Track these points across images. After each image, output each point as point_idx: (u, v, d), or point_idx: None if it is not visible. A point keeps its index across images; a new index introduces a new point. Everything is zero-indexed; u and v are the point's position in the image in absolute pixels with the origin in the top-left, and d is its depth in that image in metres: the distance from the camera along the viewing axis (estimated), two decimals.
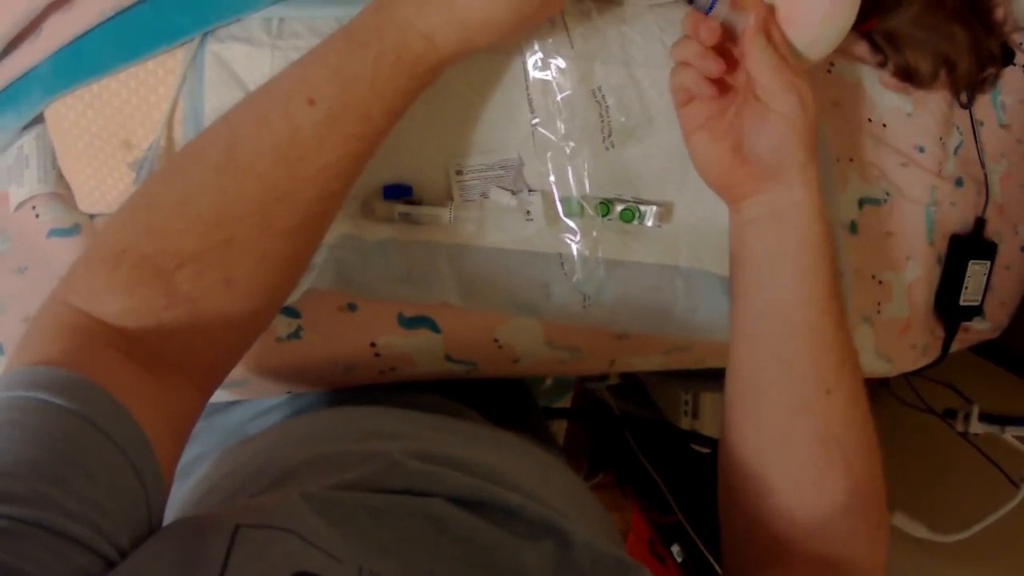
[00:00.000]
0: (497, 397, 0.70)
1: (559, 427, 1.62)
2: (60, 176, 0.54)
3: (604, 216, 0.54)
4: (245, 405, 0.61)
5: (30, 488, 0.27)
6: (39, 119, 0.53)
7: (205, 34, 0.50)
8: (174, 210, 0.38)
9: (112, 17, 0.49)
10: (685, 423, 1.23)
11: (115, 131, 0.51)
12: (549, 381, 1.49)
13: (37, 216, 0.54)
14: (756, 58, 0.44)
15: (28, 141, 0.54)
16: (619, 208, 0.54)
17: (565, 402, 1.60)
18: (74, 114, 0.50)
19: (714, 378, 1.17)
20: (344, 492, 0.37)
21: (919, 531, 0.78)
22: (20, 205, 0.54)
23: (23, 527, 0.25)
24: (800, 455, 0.46)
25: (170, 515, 0.34)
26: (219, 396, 0.56)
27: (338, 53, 0.39)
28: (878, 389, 1.11)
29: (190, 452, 0.58)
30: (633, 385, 1.40)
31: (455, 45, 0.40)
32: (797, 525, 0.46)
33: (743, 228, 0.49)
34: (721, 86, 0.47)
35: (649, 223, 0.55)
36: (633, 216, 0.54)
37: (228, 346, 0.41)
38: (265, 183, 0.38)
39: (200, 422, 0.62)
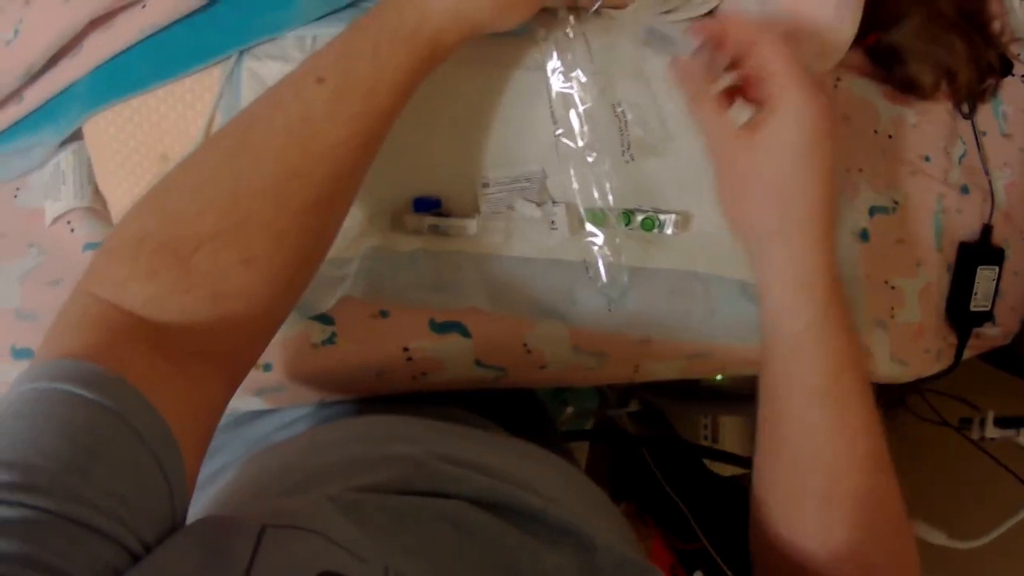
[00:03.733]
0: (516, 414, 0.72)
1: (579, 455, 1.63)
2: (96, 192, 0.57)
3: (626, 225, 0.57)
4: (271, 417, 0.63)
5: (54, 479, 0.27)
6: (76, 136, 0.57)
7: (241, 52, 0.53)
8: (190, 194, 0.39)
9: (151, 36, 0.53)
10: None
11: (153, 146, 0.54)
12: (570, 409, 1.51)
13: (72, 230, 0.57)
14: (777, 55, 0.43)
15: (65, 157, 0.57)
16: (640, 218, 0.57)
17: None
18: (113, 128, 0.54)
19: (733, 400, 1.20)
20: (368, 495, 0.38)
21: (939, 539, 0.80)
22: (56, 219, 0.57)
23: (47, 517, 0.26)
24: (809, 551, 0.47)
25: (195, 520, 0.34)
26: (254, 404, 0.58)
27: (343, 37, 0.43)
28: (895, 407, 1.14)
29: (216, 462, 0.60)
30: (653, 413, 1.42)
31: (447, 15, 0.43)
32: None
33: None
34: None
35: (669, 231, 0.58)
36: (653, 225, 0.57)
37: (251, 332, 0.42)
38: (279, 161, 0.40)
39: (226, 433, 0.64)
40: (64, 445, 0.29)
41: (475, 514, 0.39)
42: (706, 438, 1.22)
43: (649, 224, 0.57)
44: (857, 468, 0.46)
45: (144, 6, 0.53)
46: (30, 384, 0.31)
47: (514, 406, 0.74)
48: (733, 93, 0.46)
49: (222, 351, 0.40)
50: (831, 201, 0.44)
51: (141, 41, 0.53)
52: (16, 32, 0.54)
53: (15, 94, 0.56)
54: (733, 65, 0.46)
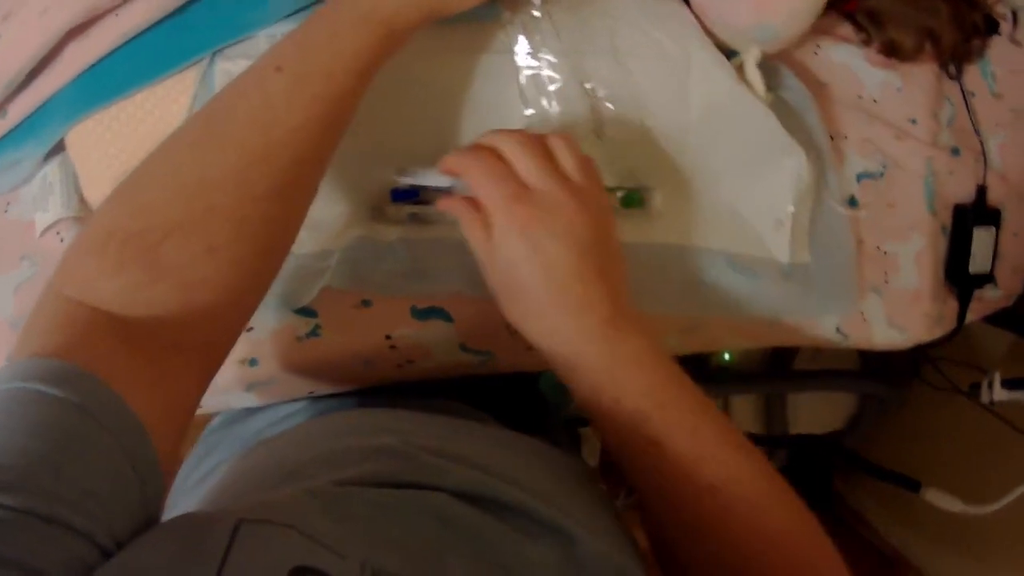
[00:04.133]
0: (513, 405, 0.72)
1: (593, 448, 1.62)
2: (83, 201, 0.58)
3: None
4: (264, 413, 0.64)
5: (21, 476, 0.27)
6: (61, 146, 0.58)
7: (215, 53, 0.54)
8: (156, 185, 0.40)
9: (127, 42, 0.54)
10: None
11: (134, 151, 0.55)
12: None
13: (62, 240, 0.58)
14: (471, 179, 0.47)
15: (52, 169, 0.58)
16: (619, 195, 0.57)
17: None
18: (94, 137, 0.55)
19: (742, 380, 1.19)
20: (352, 488, 0.38)
21: (955, 505, 0.79)
22: (46, 230, 0.58)
23: (15, 515, 0.26)
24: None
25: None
26: (246, 399, 0.59)
27: (300, 26, 0.44)
28: (909, 378, 1.13)
29: (211, 460, 0.61)
30: None
31: None
32: None
33: None
34: None
35: (651, 207, 0.58)
36: (633, 202, 0.57)
37: (220, 322, 0.42)
38: (241, 149, 0.40)
39: (220, 431, 0.65)
40: (33, 443, 0.29)
41: (458, 507, 0.39)
42: None
43: (629, 201, 0.57)
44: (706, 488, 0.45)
45: (117, 14, 0.54)
46: (3, 385, 0.32)
47: (511, 397, 0.74)
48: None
49: (193, 342, 0.40)
50: (574, 290, 0.46)
51: (117, 48, 0.55)
52: None
53: None
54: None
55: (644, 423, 0.45)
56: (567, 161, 0.47)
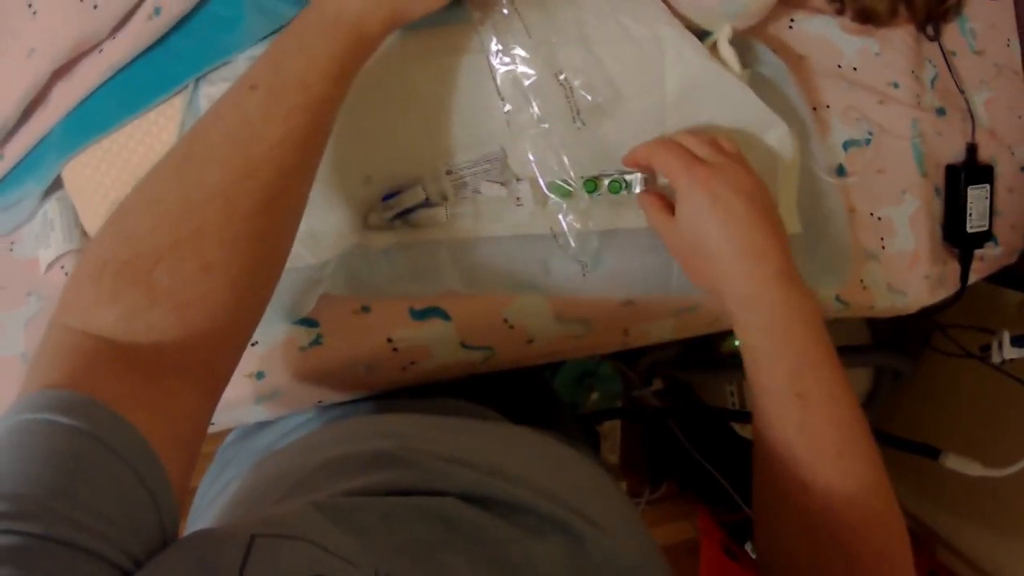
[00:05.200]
0: (522, 401, 0.73)
1: (613, 444, 1.64)
2: (84, 234, 0.60)
3: (592, 192, 0.58)
4: (274, 427, 0.65)
5: (40, 505, 0.28)
6: (59, 184, 0.60)
7: (198, 79, 0.56)
8: (144, 212, 0.41)
9: (112, 77, 0.57)
10: None
11: (127, 181, 0.57)
12: (595, 395, 1.52)
13: (66, 274, 0.60)
14: (657, 159, 0.53)
15: (51, 206, 0.60)
16: (606, 182, 0.59)
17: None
18: (89, 170, 0.57)
19: None
20: (356, 498, 0.39)
21: (976, 469, 0.79)
22: (50, 266, 0.60)
23: (34, 541, 0.27)
24: (792, 548, 0.50)
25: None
26: (257, 413, 0.61)
27: (272, 44, 0.45)
28: (920, 346, 1.13)
29: (225, 476, 0.62)
30: (678, 388, 1.42)
31: (367, 2, 0.45)
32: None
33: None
34: None
35: (637, 190, 0.59)
36: (621, 187, 0.59)
37: (220, 340, 0.43)
38: (223, 167, 0.41)
39: (233, 447, 0.67)
40: (47, 471, 0.30)
41: (464, 510, 0.40)
42: (733, 404, 1.22)
43: (616, 187, 0.58)
44: (833, 456, 0.49)
45: (101, 50, 0.56)
46: (12, 418, 0.33)
47: (518, 393, 0.75)
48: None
49: (195, 363, 0.41)
50: (754, 232, 0.51)
51: (104, 83, 0.57)
52: None
53: None
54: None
55: (797, 377, 0.49)
56: (724, 144, 0.56)
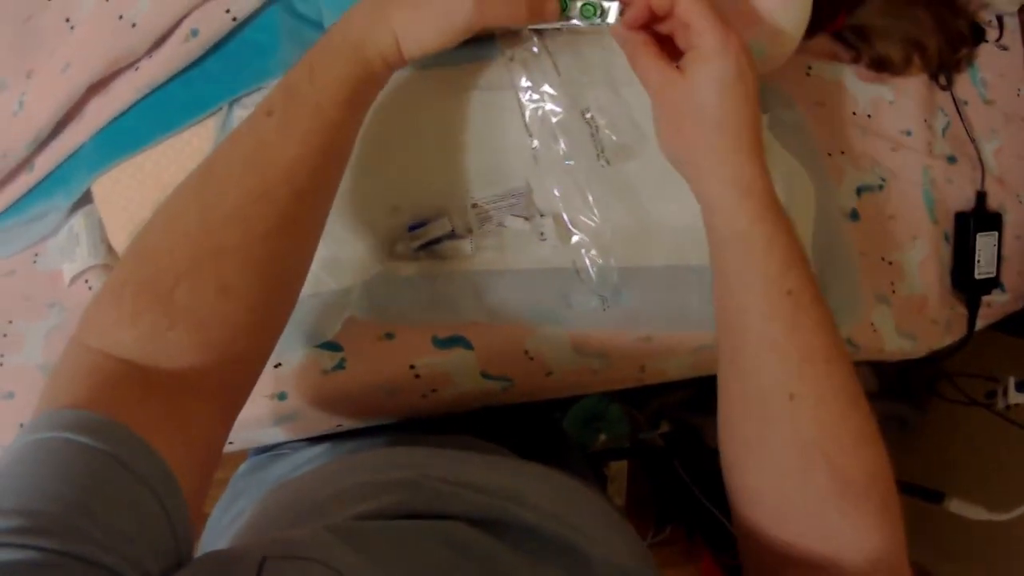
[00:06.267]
0: (530, 436, 0.74)
1: (619, 486, 1.64)
2: (110, 249, 0.61)
3: (563, 12, 0.52)
4: (286, 459, 0.66)
5: (59, 521, 0.29)
6: (85, 199, 0.62)
7: (232, 103, 0.58)
8: (163, 233, 0.42)
9: (147, 95, 0.58)
10: None
11: (157, 199, 0.58)
12: (603, 436, 1.53)
13: (90, 288, 0.61)
14: (693, 4, 0.46)
15: (77, 221, 0.62)
16: (579, 5, 0.52)
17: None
18: (119, 186, 0.58)
19: None
20: (367, 522, 0.40)
21: (979, 514, 0.80)
22: (74, 279, 0.61)
23: (55, 558, 0.28)
24: (778, 462, 0.47)
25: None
26: (274, 434, 0.62)
27: (288, 72, 0.47)
28: (926, 394, 1.15)
29: (238, 506, 0.63)
30: (685, 431, 1.43)
31: (369, 22, 0.46)
32: (790, 527, 0.47)
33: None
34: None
35: (611, 20, 0.52)
36: (594, 12, 0.52)
37: (238, 362, 0.44)
38: (240, 189, 0.42)
39: (246, 478, 0.68)
40: (66, 489, 0.31)
41: (471, 533, 0.41)
42: None
43: (590, 11, 0.52)
44: (822, 360, 0.47)
45: (137, 68, 0.58)
46: (31, 436, 0.34)
47: (529, 431, 0.76)
48: (664, 46, 0.51)
49: (212, 384, 0.42)
50: (757, 123, 0.48)
51: (138, 101, 0.58)
52: (21, 104, 0.60)
53: (25, 163, 0.61)
54: (662, 20, 0.50)
55: (787, 270, 0.47)
56: None
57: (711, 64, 0.47)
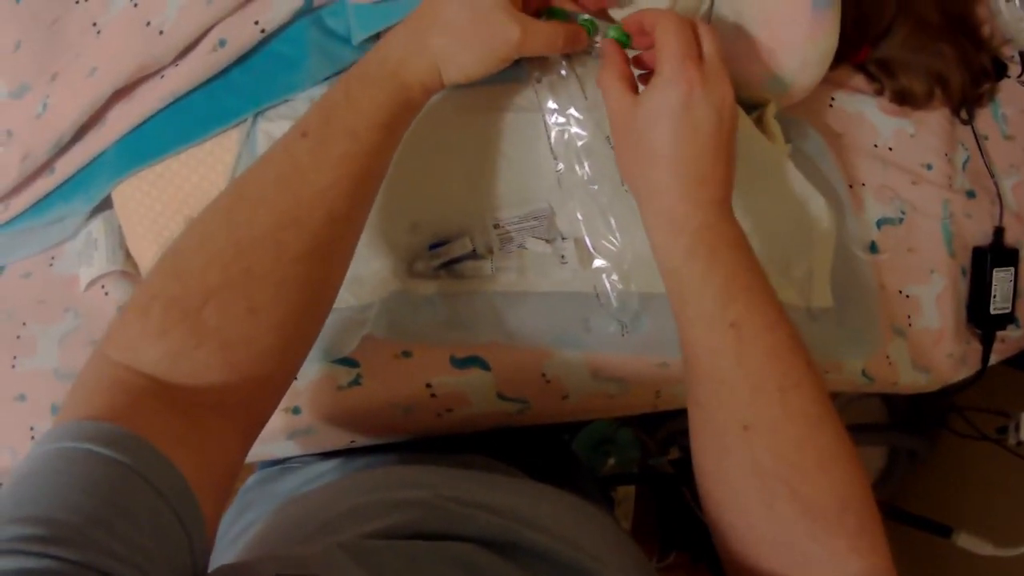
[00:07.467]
0: (544, 460, 0.74)
1: (626, 511, 1.64)
2: (128, 256, 0.62)
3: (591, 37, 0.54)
4: (296, 474, 0.66)
5: (77, 531, 0.29)
6: (105, 204, 0.62)
7: (256, 115, 0.59)
8: (195, 251, 0.43)
9: (171, 104, 0.59)
10: None
11: (178, 208, 0.59)
12: (612, 460, 1.53)
13: (107, 294, 0.62)
14: (664, 34, 0.47)
15: (96, 226, 0.62)
16: (610, 32, 0.54)
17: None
18: (140, 194, 0.59)
19: None
20: (379, 541, 0.40)
21: (986, 549, 0.81)
22: (90, 284, 0.62)
23: (73, 568, 0.28)
24: (740, 493, 0.47)
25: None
26: (287, 448, 0.62)
27: (323, 95, 0.47)
28: (937, 428, 1.15)
29: (247, 518, 0.63)
30: None
31: (408, 48, 0.47)
32: (766, 558, 0.46)
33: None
34: None
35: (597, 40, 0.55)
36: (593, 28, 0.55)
37: (262, 383, 0.44)
38: (273, 210, 0.43)
39: (256, 491, 0.68)
40: (86, 500, 0.31)
41: (484, 556, 0.41)
42: None
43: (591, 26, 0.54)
44: (775, 388, 0.46)
45: (163, 76, 0.59)
46: (51, 445, 0.34)
47: (542, 453, 0.77)
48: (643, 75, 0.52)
49: (235, 404, 0.42)
50: (707, 159, 0.48)
51: (162, 109, 0.59)
52: (44, 107, 0.60)
53: (46, 166, 0.62)
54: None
55: (728, 304, 0.46)
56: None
57: (657, 92, 0.47)
